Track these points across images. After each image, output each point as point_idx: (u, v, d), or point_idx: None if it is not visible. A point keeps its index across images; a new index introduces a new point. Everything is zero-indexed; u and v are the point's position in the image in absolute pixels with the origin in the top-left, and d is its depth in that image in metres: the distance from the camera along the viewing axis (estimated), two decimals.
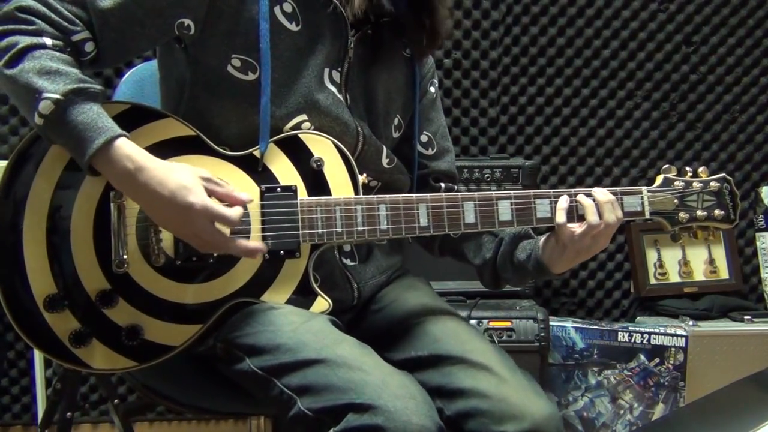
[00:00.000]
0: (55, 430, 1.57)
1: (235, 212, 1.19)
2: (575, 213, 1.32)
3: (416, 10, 1.41)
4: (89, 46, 1.23)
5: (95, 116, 1.15)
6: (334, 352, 1.15)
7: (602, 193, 1.32)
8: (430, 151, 1.55)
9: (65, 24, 1.20)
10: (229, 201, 1.21)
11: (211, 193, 1.19)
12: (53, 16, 1.19)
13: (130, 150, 1.16)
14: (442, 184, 1.55)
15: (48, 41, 1.17)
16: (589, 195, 1.32)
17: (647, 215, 1.36)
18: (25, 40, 1.16)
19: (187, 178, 1.17)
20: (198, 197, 1.16)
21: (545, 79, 2.69)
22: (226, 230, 1.22)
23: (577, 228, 1.31)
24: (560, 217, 1.31)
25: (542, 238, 1.38)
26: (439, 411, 1.19)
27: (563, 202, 1.32)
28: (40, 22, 1.18)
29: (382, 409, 1.07)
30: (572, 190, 1.34)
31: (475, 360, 1.27)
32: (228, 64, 1.29)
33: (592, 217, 1.30)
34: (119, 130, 1.16)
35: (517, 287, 1.53)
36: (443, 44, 1.52)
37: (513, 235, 1.43)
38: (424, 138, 1.54)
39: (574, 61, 2.69)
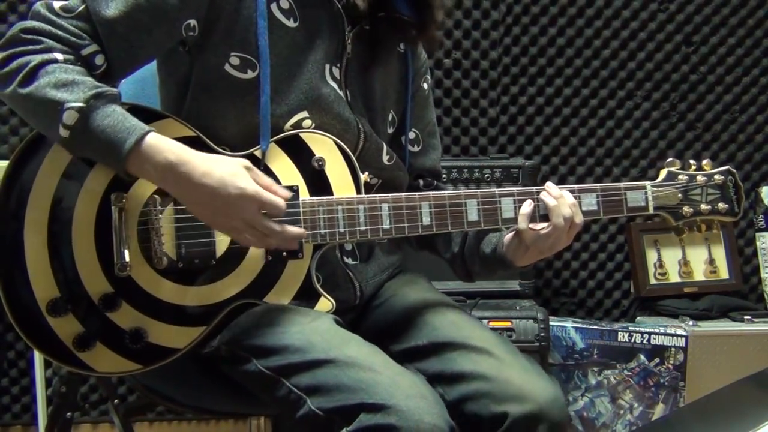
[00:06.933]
0: (55, 430, 1.57)
1: (281, 201, 1.19)
2: (537, 214, 1.31)
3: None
4: (99, 59, 1.21)
5: (120, 117, 1.14)
6: (342, 352, 1.15)
7: (567, 195, 1.30)
8: (416, 148, 1.55)
9: (73, 39, 1.19)
10: (270, 192, 1.19)
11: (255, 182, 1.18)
12: (59, 32, 1.18)
13: (165, 143, 1.15)
14: (421, 181, 1.55)
15: (59, 56, 1.16)
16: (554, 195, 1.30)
17: (651, 210, 1.34)
18: (36, 58, 1.15)
19: (233, 165, 1.17)
20: (248, 182, 1.16)
21: (545, 79, 2.69)
22: None
23: (540, 229, 1.30)
24: (522, 222, 1.30)
25: (507, 235, 1.37)
26: (440, 397, 1.19)
27: (526, 207, 1.30)
28: (47, 40, 1.17)
29: (395, 409, 1.08)
30: (536, 188, 1.31)
31: (475, 344, 1.27)
32: (226, 62, 1.28)
33: (556, 219, 1.28)
34: (146, 126, 1.15)
35: (489, 279, 1.51)
36: (438, 36, 1.50)
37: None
38: (411, 135, 1.53)
39: (574, 61, 2.69)
